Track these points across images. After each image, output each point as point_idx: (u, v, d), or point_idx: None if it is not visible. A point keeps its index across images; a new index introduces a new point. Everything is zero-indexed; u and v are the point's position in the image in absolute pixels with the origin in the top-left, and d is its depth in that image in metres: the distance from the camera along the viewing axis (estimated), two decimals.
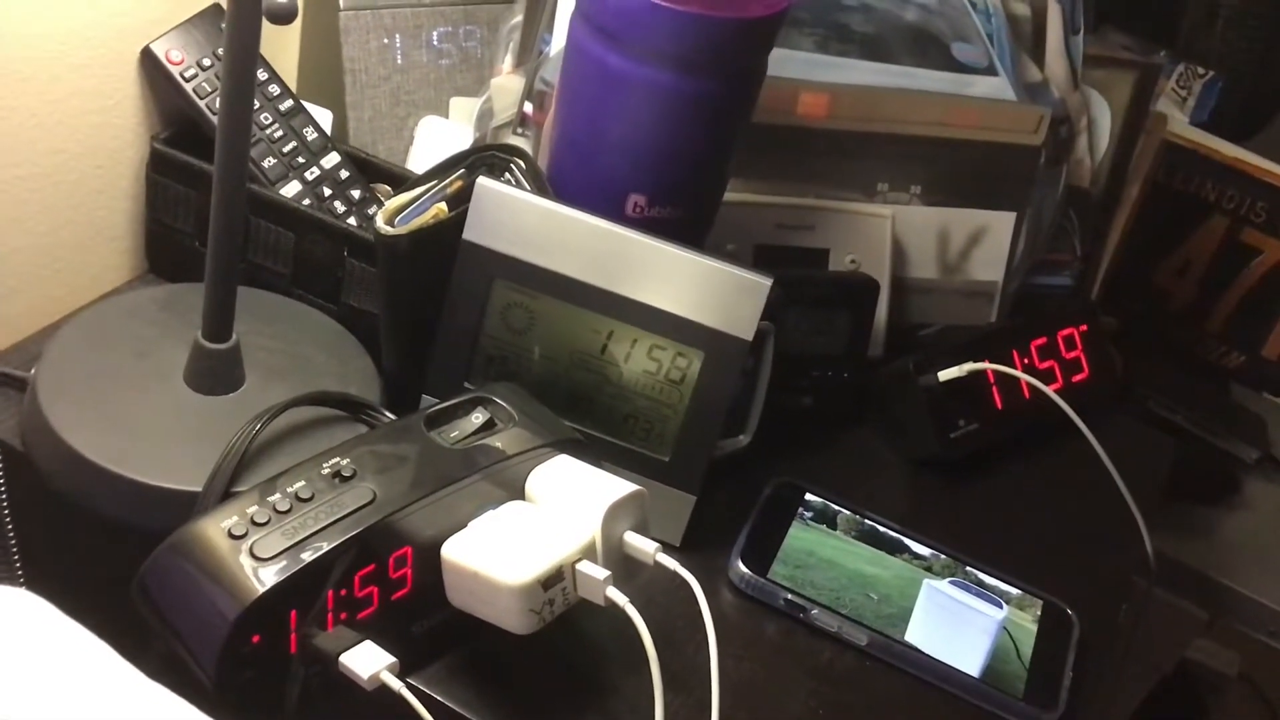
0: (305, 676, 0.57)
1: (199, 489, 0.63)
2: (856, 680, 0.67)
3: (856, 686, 0.66)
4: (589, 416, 0.68)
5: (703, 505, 0.70)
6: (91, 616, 0.63)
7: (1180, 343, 1.10)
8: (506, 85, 0.83)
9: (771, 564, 0.69)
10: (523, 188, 0.70)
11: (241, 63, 0.59)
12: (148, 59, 0.74)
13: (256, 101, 0.76)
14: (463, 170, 0.72)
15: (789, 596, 0.68)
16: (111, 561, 0.63)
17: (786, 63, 0.80)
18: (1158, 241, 1.09)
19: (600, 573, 0.58)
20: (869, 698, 0.66)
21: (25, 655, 0.36)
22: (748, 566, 0.69)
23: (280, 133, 0.77)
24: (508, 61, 0.84)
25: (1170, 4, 1.12)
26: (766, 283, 0.65)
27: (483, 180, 0.66)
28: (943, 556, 0.73)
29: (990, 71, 0.85)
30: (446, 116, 0.88)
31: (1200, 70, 1.12)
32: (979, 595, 0.72)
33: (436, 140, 0.84)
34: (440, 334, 0.68)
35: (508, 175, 0.72)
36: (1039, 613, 0.71)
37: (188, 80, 0.74)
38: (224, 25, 0.59)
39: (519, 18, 0.84)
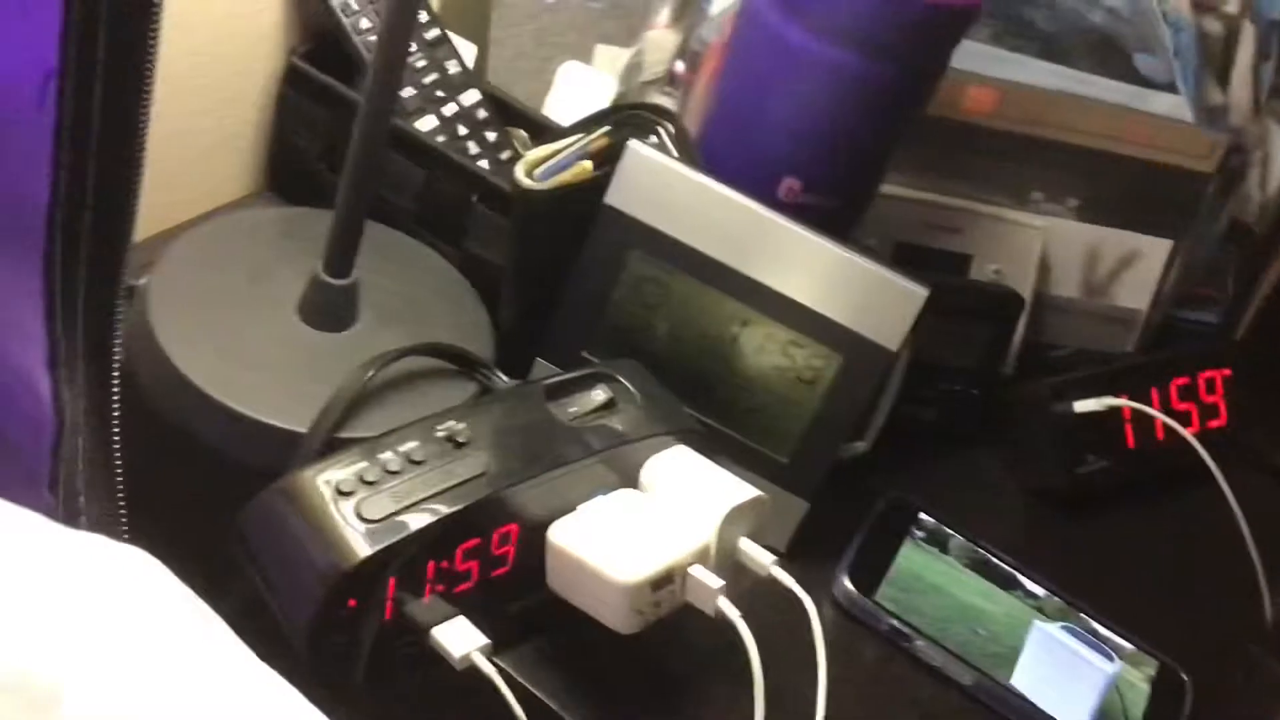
0: (393, 646, 0.54)
1: (302, 429, 0.60)
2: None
3: None
4: (708, 406, 0.64)
5: (810, 512, 0.66)
6: (180, 544, 0.61)
7: None
8: (660, 40, 0.78)
9: (879, 585, 0.66)
10: (669, 154, 0.66)
11: None
12: None
13: None
14: (609, 128, 0.68)
15: (894, 623, 0.65)
16: (207, 489, 0.61)
17: (958, 52, 0.75)
18: None
19: (715, 581, 0.55)
20: None
21: (136, 627, 0.33)
22: (854, 585, 0.65)
23: (423, 63, 0.73)
24: (665, 15, 0.80)
25: None
26: (923, 293, 0.61)
27: (634, 144, 0.62)
28: (1056, 599, 0.69)
29: (1170, 88, 0.80)
30: (589, 63, 0.84)
31: None
32: (1091, 645, 0.68)
33: (577, 87, 0.80)
34: (568, 298, 0.65)
35: (654, 139, 0.68)
36: (1153, 673, 0.67)
37: None
38: None
39: None
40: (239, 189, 0.76)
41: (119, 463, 0.47)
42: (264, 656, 0.51)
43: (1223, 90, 0.82)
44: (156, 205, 0.71)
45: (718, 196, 0.62)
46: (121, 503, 0.47)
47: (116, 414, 0.47)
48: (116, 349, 0.46)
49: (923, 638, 0.64)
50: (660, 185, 0.62)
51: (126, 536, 0.47)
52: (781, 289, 0.61)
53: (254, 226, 0.71)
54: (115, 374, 0.47)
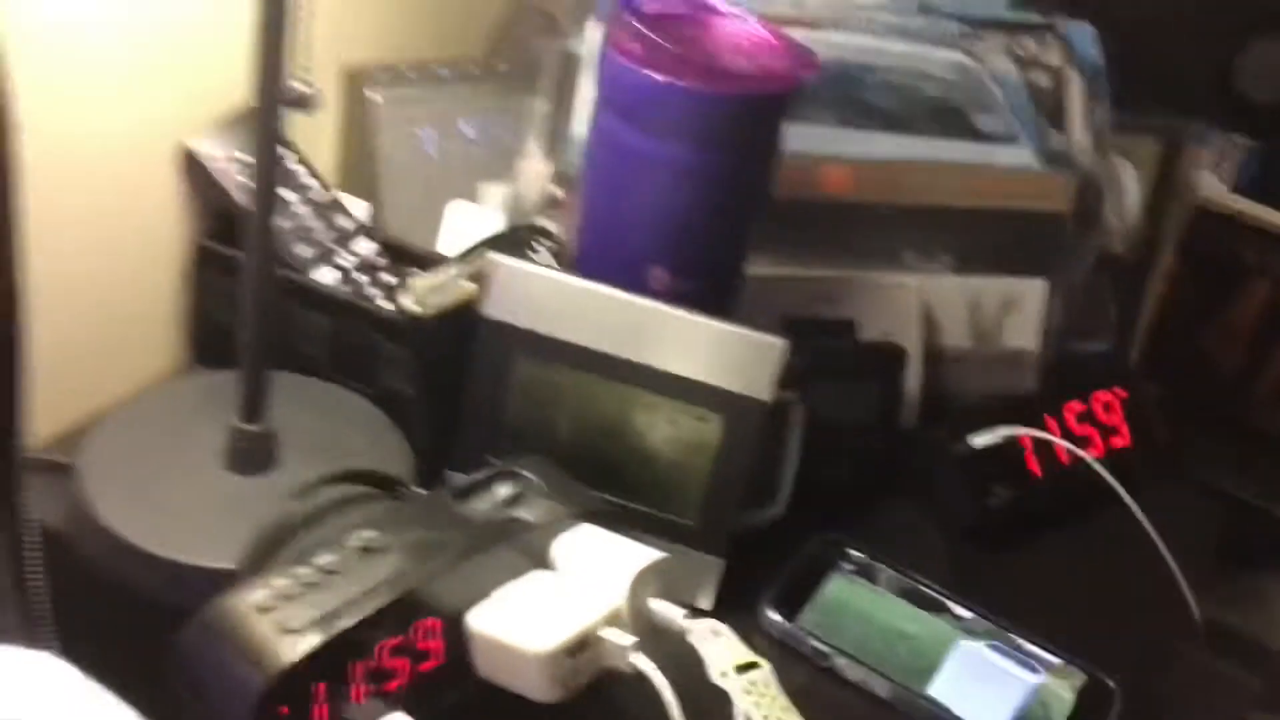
0: None
1: (233, 566, 0.64)
2: None
3: None
4: (615, 484, 0.69)
5: (740, 574, 0.70)
6: (133, 697, 0.64)
7: (1228, 409, 1.08)
8: (535, 169, 0.85)
9: (801, 611, 0.69)
10: (551, 267, 0.72)
11: (266, 151, 0.62)
12: (189, 157, 0.78)
13: (293, 194, 0.78)
14: (489, 251, 0.73)
15: (815, 644, 0.68)
16: (154, 642, 0.64)
17: (809, 137, 0.81)
18: (1200, 308, 1.08)
19: (625, 639, 0.58)
20: None
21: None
22: (777, 611, 0.69)
23: (315, 222, 0.79)
24: (536, 146, 0.86)
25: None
26: (779, 343, 0.66)
27: (497, 257, 0.68)
28: (983, 620, 0.72)
29: (1013, 140, 0.86)
30: (476, 201, 0.90)
31: (1237, 138, 1.12)
32: (1015, 660, 0.70)
33: (465, 224, 0.86)
34: (464, 411, 0.69)
35: (530, 254, 0.74)
36: (1080, 684, 0.70)
37: (226, 176, 0.77)
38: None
39: (547, 105, 0.86)
40: (168, 365, 0.81)
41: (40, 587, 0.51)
42: None
43: (1062, 135, 0.88)
44: (88, 389, 0.77)
45: (582, 291, 0.67)
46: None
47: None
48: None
49: (843, 656, 0.67)
50: (530, 290, 0.67)
51: None
52: (657, 364, 0.66)
53: (176, 394, 0.76)
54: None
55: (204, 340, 0.82)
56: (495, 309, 0.68)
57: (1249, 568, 0.94)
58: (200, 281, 0.80)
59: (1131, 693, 0.70)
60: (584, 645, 0.58)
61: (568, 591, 0.60)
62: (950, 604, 0.72)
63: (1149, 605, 0.77)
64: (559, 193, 0.82)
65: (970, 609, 0.72)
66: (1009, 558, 0.80)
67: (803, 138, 0.77)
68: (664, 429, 0.67)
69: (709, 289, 0.72)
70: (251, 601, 0.57)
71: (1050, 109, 0.88)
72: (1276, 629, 0.91)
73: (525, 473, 0.65)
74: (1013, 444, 0.80)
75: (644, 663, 0.58)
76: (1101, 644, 0.73)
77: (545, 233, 0.74)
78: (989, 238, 0.85)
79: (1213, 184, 1.08)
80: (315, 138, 0.88)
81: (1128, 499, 0.77)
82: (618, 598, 0.60)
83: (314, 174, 0.80)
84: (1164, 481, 0.87)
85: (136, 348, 0.80)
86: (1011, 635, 0.72)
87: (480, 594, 0.60)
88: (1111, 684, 0.70)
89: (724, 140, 0.68)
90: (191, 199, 0.79)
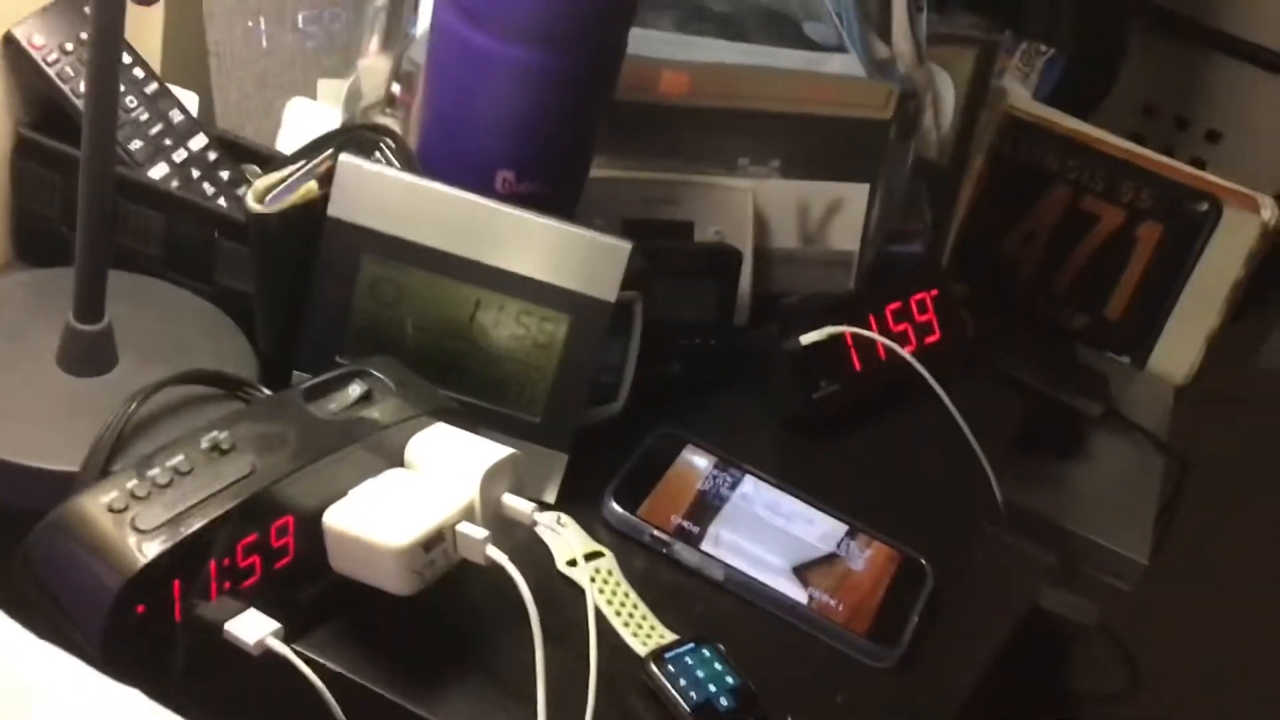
0: (191, 645, 0.58)
1: (75, 469, 0.64)
2: (716, 613, 0.70)
3: (715, 619, 0.70)
4: (462, 383, 0.70)
5: (582, 468, 0.72)
6: None
7: (1028, 307, 1.16)
8: (374, 66, 0.84)
9: (642, 502, 0.73)
10: (392, 166, 0.72)
11: (105, 44, 0.60)
12: (10, 44, 0.74)
13: (121, 85, 0.76)
14: (332, 150, 0.73)
15: (654, 533, 0.71)
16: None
17: (647, 42, 0.82)
18: (1005, 211, 1.15)
19: (479, 533, 0.60)
20: (725, 629, 0.69)
21: None
22: (618, 503, 0.72)
23: (146, 115, 0.77)
24: (374, 43, 0.85)
25: None
26: (626, 246, 0.68)
27: (345, 157, 0.67)
28: (809, 507, 0.77)
29: (840, 49, 0.89)
30: (314, 98, 0.89)
31: (1042, 48, 1.18)
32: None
33: (305, 122, 0.85)
34: (310, 310, 0.69)
35: (377, 154, 0.74)
36: (895, 564, 0.75)
37: (51, 65, 0.74)
38: (87, 8, 0.59)
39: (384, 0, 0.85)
40: None
41: None
42: None
43: (886, 44, 0.91)
44: None
45: (431, 192, 0.67)
46: None
47: None
48: None
49: (679, 542, 0.71)
50: (377, 191, 0.67)
51: None
52: (504, 265, 0.68)
53: (3, 293, 0.73)
54: None
55: (23, 235, 0.79)
56: (341, 209, 0.68)
57: (1045, 453, 1.03)
58: (20, 174, 0.77)
59: (942, 571, 0.76)
60: (439, 539, 0.60)
61: (422, 488, 0.62)
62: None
63: (956, 489, 0.84)
64: (399, 90, 0.82)
65: (795, 495, 0.77)
66: (832, 446, 0.85)
67: (640, 41, 0.79)
68: (510, 329, 0.69)
69: (555, 191, 0.74)
70: (103, 502, 0.57)
71: (875, 18, 0.92)
72: (1069, 509, 1.00)
73: (374, 372, 0.66)
74: (837, 340, 0.84)
75: (498, 554, 0.60)
76: (915, 525, 0.79)
77: (387, 131, 0.74)
78: (816, 143, 0.88)
79: (1019, 92, 1.14)
80: (141, 26, 0.84)
81: (939, 390, 0.82)
82: (470, 493, 0.62)
83: (143, 65, 0.78)
84: (970, 374, 0.93)
85: None
86: (835, 519, 0.77)
87: (335, 492, 0.61)
88: (924, 563, 0.76)
89: (571, 42, 0.69)
90: (12, 88, 0.76)
